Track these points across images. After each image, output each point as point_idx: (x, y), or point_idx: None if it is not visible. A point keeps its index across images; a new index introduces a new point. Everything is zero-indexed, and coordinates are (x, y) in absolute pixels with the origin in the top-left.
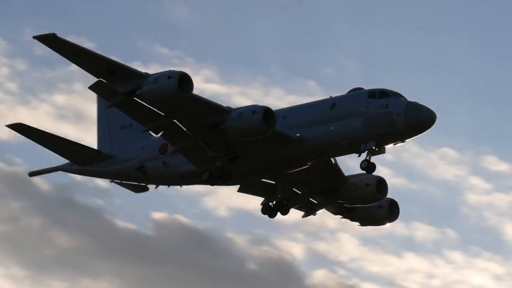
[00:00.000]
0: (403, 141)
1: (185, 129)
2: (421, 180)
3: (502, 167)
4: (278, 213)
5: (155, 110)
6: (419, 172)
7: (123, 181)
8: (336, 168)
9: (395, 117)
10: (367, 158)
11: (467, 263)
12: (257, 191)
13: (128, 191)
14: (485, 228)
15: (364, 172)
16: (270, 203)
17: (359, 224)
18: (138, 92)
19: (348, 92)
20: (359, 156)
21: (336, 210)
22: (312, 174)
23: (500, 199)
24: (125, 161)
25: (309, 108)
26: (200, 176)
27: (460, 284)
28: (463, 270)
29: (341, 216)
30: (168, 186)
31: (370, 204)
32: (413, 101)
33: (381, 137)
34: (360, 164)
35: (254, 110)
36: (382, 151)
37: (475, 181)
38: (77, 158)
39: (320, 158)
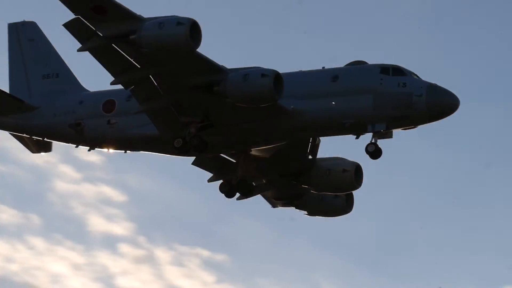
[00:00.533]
0: (415, 126)
1: (160, 86)
2: (10, 163)
3: (92, 158)
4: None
5: (132, 61)
6: (9, 155)
7: (32, 136)
8: (314, 148)
9: (414, 99)
10: (374, 142)
11: (48, 250)
12: (214, 166)
13: None
14: (70, 217)
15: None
16: (232, 181)
17: (307, 213)
18: (132, 37)
19: (348, 65)
20: (357, 138)
21: (278, 195)
22: (285, 152)
23: (88, 189)
24: (55, 115)
25: (303, 78)
26: (157, 142)
27: (39, 271)
28: (43, 256)
29: (284, 202)
30: (108, 150)
31: (342, 193)
32: (434, 83)
33: (395, 119)
34: (366, 148)
35: (263, 73)
36: (389, 135)
37: (65, 169)
38: None
39: (311, 136)
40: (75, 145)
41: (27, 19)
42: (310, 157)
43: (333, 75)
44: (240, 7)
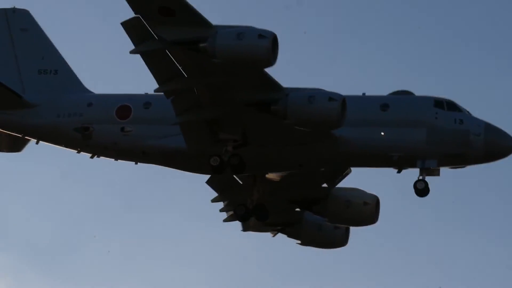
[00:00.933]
0: (466, 165)
1: (205, 99)
2: None
3: None
4: None
5: (180, 69)
6: None
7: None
8: (336, 176)
9: (472, 137)
10: (423, 178)
11: None
12: (226, 187)
13: None
14: None
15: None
16: (247, 205)
17: (299, 242)
18: (202, 44)
19: (393, 94)
20: (398, 172)
21: (273, 220)
22: (301, 177)
23: None
24: (58, 116)
25: (349, 103)
26: (178, 157)
27: None
28: None
29: (275, 229)
30: (116, 160)
31: (358, 226)
32: (488, 122)
33: (448, 157)
34: (415, 184)
35: (331, 97)
36: (437, 173)
37: None
38: None
39: (351, 165)
40: (76, 151)
41: (18, 6)
42: (325, 185)
43: (382, 103)
44: (240, 7)
